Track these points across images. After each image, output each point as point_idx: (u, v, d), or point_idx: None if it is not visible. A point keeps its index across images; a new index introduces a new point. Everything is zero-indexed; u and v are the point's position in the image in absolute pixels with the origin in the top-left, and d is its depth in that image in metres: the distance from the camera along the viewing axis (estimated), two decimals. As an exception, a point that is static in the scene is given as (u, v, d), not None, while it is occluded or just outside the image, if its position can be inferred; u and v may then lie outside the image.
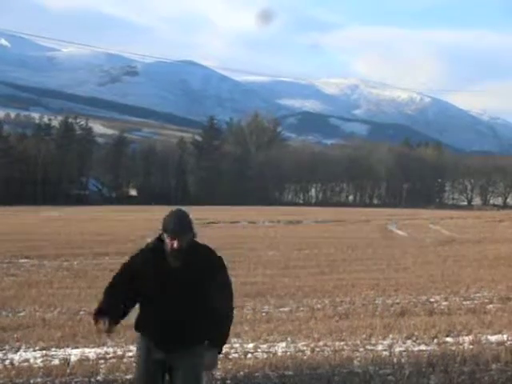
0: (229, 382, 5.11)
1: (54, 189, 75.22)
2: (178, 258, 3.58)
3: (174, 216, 3.66)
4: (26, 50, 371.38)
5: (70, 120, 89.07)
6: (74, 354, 6.18)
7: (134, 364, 3.81)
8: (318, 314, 8.75)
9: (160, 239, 3.69)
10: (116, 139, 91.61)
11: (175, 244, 3.56)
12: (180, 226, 3.62)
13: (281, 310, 9.23)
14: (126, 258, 3.75)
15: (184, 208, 3.82)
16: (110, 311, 3.68)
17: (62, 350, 6.43)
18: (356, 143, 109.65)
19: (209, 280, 3.63)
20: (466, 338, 6.68)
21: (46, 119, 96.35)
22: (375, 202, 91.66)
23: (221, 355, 3.86)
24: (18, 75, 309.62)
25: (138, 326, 3.76)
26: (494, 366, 5.55)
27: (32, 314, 8.91)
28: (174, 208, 3.75)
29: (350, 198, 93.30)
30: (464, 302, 9.64)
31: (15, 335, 7.31)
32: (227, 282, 3.77)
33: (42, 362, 5.89)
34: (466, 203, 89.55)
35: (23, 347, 6.59)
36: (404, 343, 6.54)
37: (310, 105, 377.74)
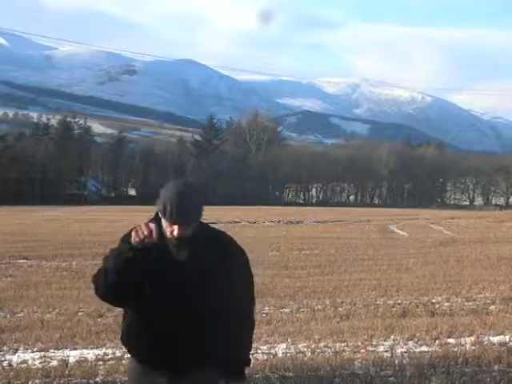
0: (229, 383, 5.05)
1: (53, 189, 75.17)
2: (180, 249, 2.63)
3: (176, 193, 2.59)
4: (25, 48, 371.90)
5: (69, 119, 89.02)
6: (73, 355, 6.14)
7: None
8: (319, 314, 8.70)
9: (157, 219, 2.67)
10: (115, 138, 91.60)
11: (175, 231, 2.60)
12: (183, 210, 2.57)
13: (281, 310, 9.18)
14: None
15: None
16: None
17: (60, 351, 6.39)
18: (357, 143, 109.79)
19: (221, 273, 2.67)
20: (468, 339, 6.63)
21: (44, 118, 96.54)
22: (376, 201, 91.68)
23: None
24: (16, 74, 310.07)
25: (128, 341, 2.76)
26: (496, 367, 5.52)
27: (30, 315, 8.86)
28: (177, 180, 2.68)
29: (351, 197, 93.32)
30: (466, 303, 9.60)
31: (13, 336, 7.27)
32: (246, 272, 2.83)
33: (40, 363, 5.86)
34: (467, 203, 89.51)
35: (21, 348, 6.55)
36: (405, 344, 6.50)
37: (311, 104, 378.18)
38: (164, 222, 2.61)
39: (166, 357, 2.66)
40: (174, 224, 2.58)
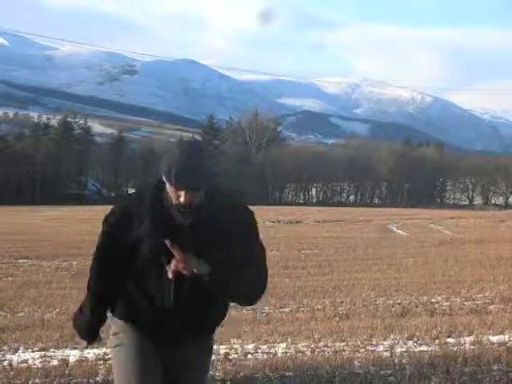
0: (229, 383, 5.07)
1: (53, 188, 75.14)
2: (186, 217, 2.37)
3: (182, 153, 2.31)
4: (25, 48, 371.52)
5: (69, 119, 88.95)
6: (73, 354, 6.14)
7: (116, 367, 2.86)
8: (319, 314, 8.71)
9: (159, 185, 2.43)
10: (115, 138, 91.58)
11: (182, 198, 2.33)
12: (191, 173, 2.28)
13: (281, 310, 9.19)
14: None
15: None
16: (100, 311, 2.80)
17: (60, 350, 6.39)
18: (357, 143, 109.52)
19: (232, 244, 2.44)
20: (468, 339, 6.63)
21: (44, 118, 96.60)
22: (376, 201, 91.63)
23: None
24: (16, 74, 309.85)
25: (127, 313, 2.70)
26: (495, 367, 5.51)
27: (31, 315, 8.86)
28: (186, 139, 2.44)
29: (351, 197, 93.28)
30: (465, 303, 9.61)
31: (14, 336, 7.27)
32: (258, 248, 2.58)
33: (40, 362, 5.85)
34: (467, 203, 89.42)
35: (22, 348, 6.55)
36: (405, 344, 6.50)
37: (311, 104, 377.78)
38: (169, 188, 2.35)
39: (167, 325, 2.54)
40: (180, 189, 2.31)
